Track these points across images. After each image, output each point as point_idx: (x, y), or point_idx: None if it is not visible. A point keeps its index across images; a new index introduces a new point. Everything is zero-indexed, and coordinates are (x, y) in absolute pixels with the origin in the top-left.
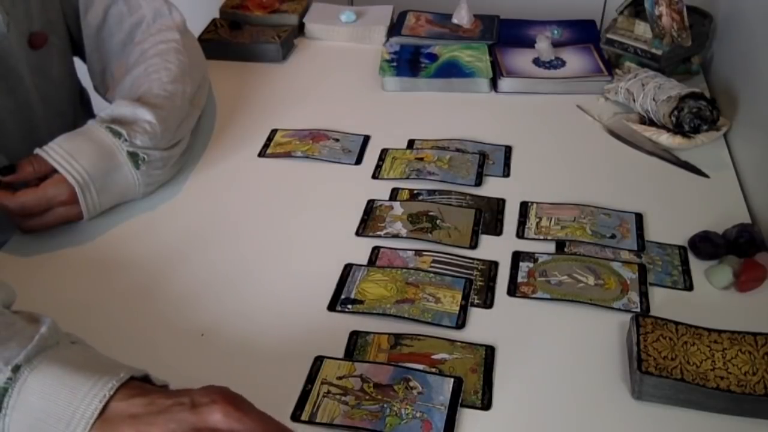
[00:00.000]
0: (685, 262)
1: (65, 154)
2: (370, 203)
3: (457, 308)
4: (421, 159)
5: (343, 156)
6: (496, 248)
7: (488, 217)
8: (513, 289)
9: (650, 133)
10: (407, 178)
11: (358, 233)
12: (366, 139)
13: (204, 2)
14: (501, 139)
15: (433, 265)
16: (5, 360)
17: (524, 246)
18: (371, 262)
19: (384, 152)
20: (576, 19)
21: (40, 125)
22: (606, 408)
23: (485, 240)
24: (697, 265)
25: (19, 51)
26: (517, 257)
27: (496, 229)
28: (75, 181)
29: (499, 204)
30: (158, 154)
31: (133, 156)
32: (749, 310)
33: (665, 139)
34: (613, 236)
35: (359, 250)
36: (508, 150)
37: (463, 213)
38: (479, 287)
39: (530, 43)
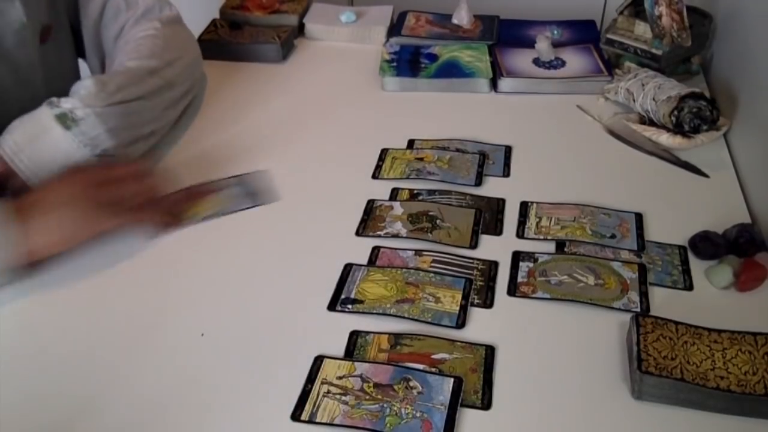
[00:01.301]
0: (685, 262)
1: (6, 133)
2: (370, 203)
3: (457, 308)
4: (421, 159)
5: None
6: (496, 248)
7: (488, 217)
8: (513, 289)
9: (650, 133)
10: (407, 178)
11: (358, 233)
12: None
13: (204, 2)
14: (501, 139)
15: (433, 265)
16: None
17: (524, 246)
18: (371, 262)
19: (384, 152)
20: (576, 19)
21: None
22: (606, 408)
23: (485, 240)
24: (697, 265)
25: (32, 44)
26: (517, 257)
27: (496, 229)
28: (4, 151)
29: (499, 204)
30: (90, 111)
31: (61, 117)
32: (749, 310)
33: (665, 139)
34: (613, 236)
35: (359, 250)
36: (508, 150)
37: (463, 213)
38: (479, 287)
39: (530, 43)
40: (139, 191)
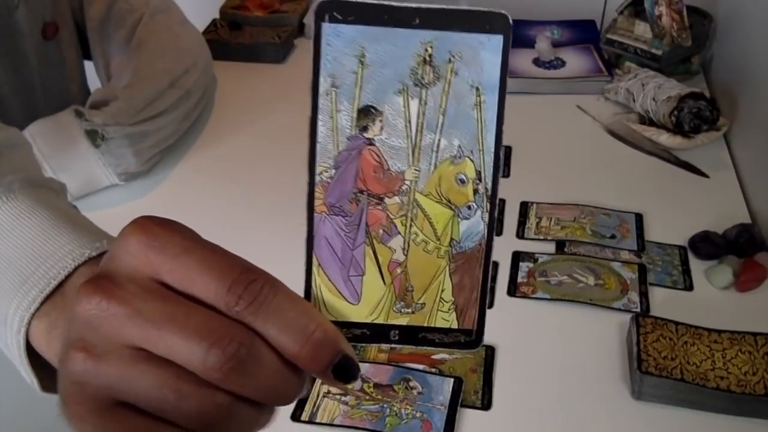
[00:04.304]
0: (685, 262)
1: (28, 136)
2: None
3: None
4: None
5: None
6: (496, 248)
7: None
8: (513, 289)
9: (650, 133)
10: None
11: None
12: None
13: (204, 2)
14: None
15: None
16: None
17: (524, 246)
18: None
19: None
20: (576, 19)
21: (41, 114)
22: (606, 408)
23: None
24: (697, 265)
25: (29, 35)
26: (517, 257)
27: (496, 229)
28: None
29: (499, 204)
30: (120, 130)
31: (92, 134)
32: (749, 310)
33: (665, 139)
34: (613, 236)
35: None
36: (508, 150)
37: None
38: None
39: (530, 43)
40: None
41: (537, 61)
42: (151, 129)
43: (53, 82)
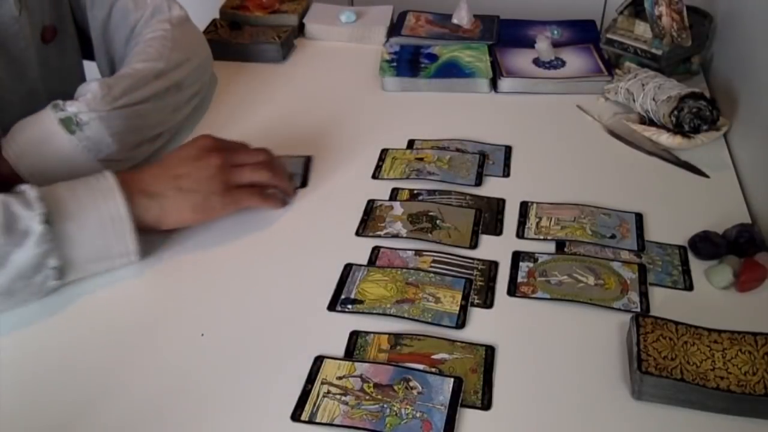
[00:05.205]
0: (685, 262)
1: (10, 135)
2: (370, 203)
3: (457, 308)
4: (421, 159)
5: None
6: (496, 248)
7: (488, 217)
8: (513, 289)
9: (650, 133)
10: (407, 178)
11: (358, 233)
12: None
13: (204, 2)
14: (501, 139)
15: (433, 265)
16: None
17: (524, 246)
18: (371, 262)
19: (384, 152)
20: (576, 19)
21: None
22: (606, 408)
23: (485, 240)
24: (697, 265)
25: (31, 41)
26: (517, 257)
27: (496, 229)
28: (8, 155)
29: (499, 204)
30: (95, 115)
31: (66, 121)
32: (749, 310)
33: (665, 139)
34: (613, 236)
35: (359, 250)
36: (508, 150)
37: (463, 213)
38: (479, 287)
39: (530, 43)
40: (261, 178)
41: (537, 61)
42: (132, 115)
43: (55, 86)
